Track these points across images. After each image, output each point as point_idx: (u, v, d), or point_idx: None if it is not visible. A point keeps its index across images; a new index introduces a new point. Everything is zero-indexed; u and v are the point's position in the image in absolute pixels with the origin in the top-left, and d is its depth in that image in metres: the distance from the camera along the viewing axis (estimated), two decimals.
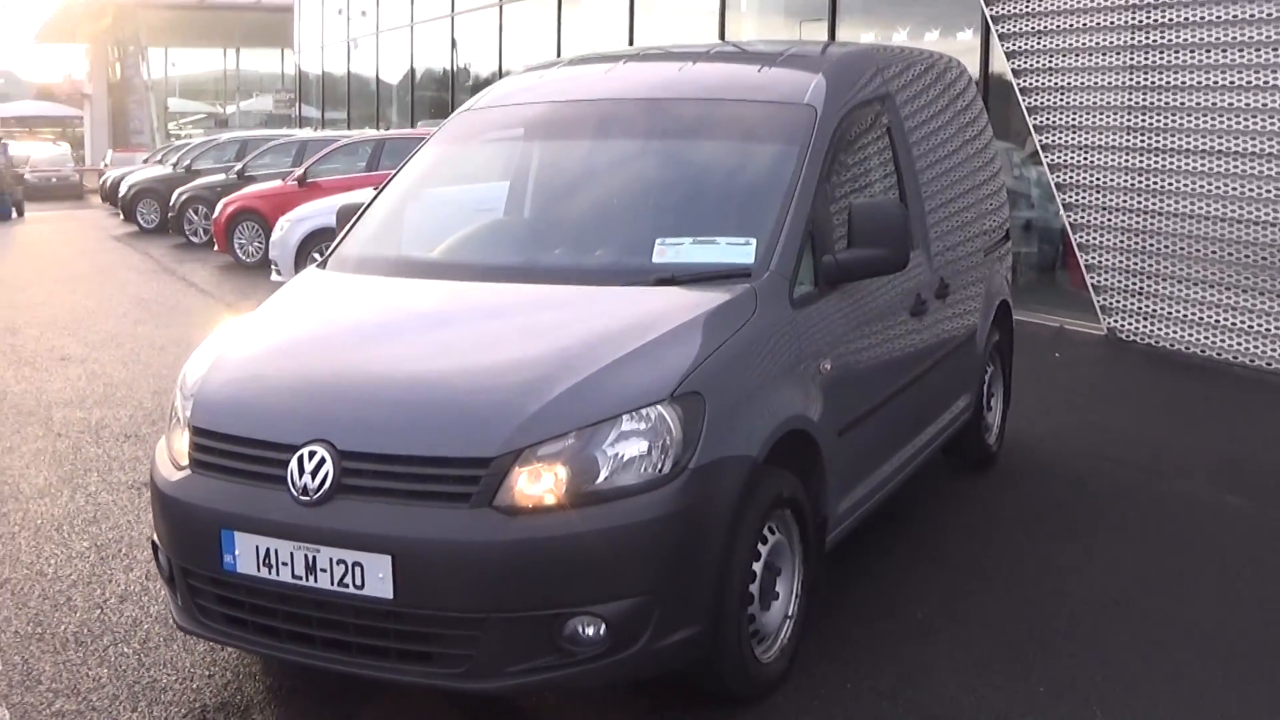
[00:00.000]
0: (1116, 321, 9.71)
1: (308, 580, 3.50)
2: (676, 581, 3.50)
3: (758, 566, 3.84)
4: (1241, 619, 4.54)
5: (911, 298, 5.04)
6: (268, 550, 3.55)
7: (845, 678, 4.09)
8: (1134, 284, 9.48)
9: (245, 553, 3.59)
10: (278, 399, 3.81)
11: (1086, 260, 9.80)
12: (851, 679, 4.08)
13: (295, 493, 3.51)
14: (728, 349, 3.77)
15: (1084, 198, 9.76)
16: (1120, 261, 9.56)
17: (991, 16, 10.24)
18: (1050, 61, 9.79)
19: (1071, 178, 9.81)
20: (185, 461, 3.86)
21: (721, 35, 13.96)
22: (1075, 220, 9.85)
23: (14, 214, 27.99)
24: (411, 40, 25.08)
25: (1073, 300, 10.14)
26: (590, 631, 3.43)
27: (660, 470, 3.48)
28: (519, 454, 3.40)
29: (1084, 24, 9.45)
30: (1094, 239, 9.74)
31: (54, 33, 56.37)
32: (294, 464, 3.54)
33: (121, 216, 24.72)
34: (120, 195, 24.84)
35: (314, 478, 3.50)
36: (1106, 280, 9.71)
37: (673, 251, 4.25)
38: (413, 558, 3.38)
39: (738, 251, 4.18)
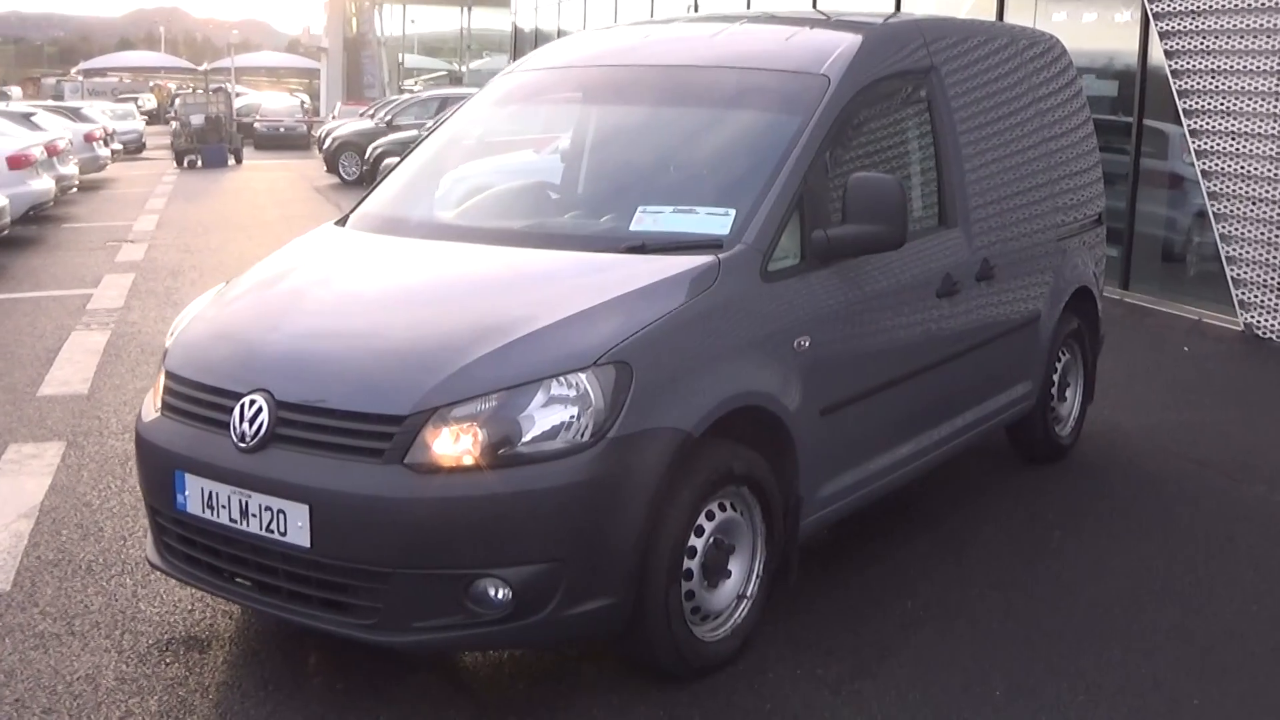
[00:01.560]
0: (1254, 317, 9.05)
1: (242, 524, 3.62)
2: (587, 550, 3.46)
3: (699, 542, 3.77)
4: (1242, 631, 4.21)
5: (939, 279, 4.82)
6: (210, 493, 3.68)
7: (799, 663, 3.98)
8: (1276, 279, 8.81)
9: (193, 494, 3.74)
10: (233, 348, 3.94)
11: (1228, 252, 9.14)
12: (804, 665, 3.97)
13: (235, 439, 3.63)
14: (670, 320, 3.69)
15: (1229, 186, 9.10)
16: (1262, 255, 8.88)
17: None
18: (1204, 44, 9.14)
19: (1218, 165, 9.16)
20: (160, 404, 4.04)
21: None
22: (1219, 210, 9.20)
23: (231, 161, 29.49)
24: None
25: (1220, 293, 9.48)
26: (496, 594, 3.44)
27: (580, 437, 3.45)
28: (432, 413, 3.43)
29: (1240, 4, 8.78)
30: (1237, 230, 9.08)
31: None
32: (236, 411, 3.66)
33: (326, 168, 25.82)
34: (324, 148, 25.96)
35: (251, 425, 3.61)
36: (1247, 274, 9.05)
37: (651, 220, 4.19)
38: (327, 509, 3.46)
39: (714, 222, 4.09)
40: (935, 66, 5.02)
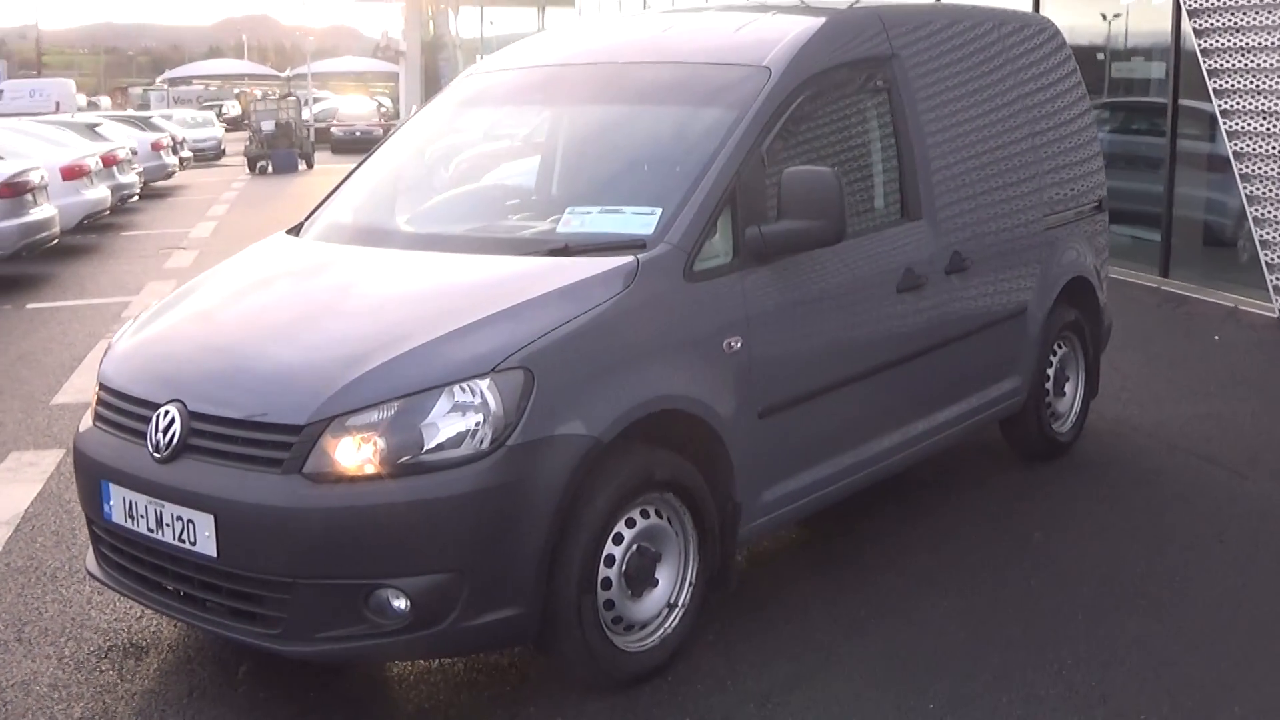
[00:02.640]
0: None
1: (158, 534, 3.62)
2: (488, 560, 3.40)
3: (618, 550, 3.69)
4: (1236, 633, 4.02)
5: (899, 273, 4.67)
6: (131, 503, 3.69)
7: (730, 674, 3.87)
8: None
9: (117, 504, 3.75)
10: (153, 359, 3.95)
11: (1261, 235, 8.78)
12: (737, 676, 3.86)
13: (150, 449, 3.64)
14: (579, 324, 3.61)
15: (1262, 168, 8.73)
16: None
17: None
18: (1234, 20, 8.78)
19: (1250, 146, 8.80)
20: (93, 415, 4.06)
21: None
22: (1251, 192, 8.84)
23: (301, 166, 29.93)
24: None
25: (1258, 279, 9.11)
26: (395, 605, 3.39)
27: (477, 446, 3.39)
28: (329, 422, 3.39)
29: None
30: (1270, 213, 8.72)
31: None
32: (153, 421, 3.66)
33: None
34: None
35: (164, 435, 3.61)
36: None
37: (579, 221, 4.12)
38: (231, 519, 3.44)
39: (639, 222, 4.00)
40: (897, 54, 4.87)
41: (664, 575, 3.87)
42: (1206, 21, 9.04)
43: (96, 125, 19.99)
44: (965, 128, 5.17)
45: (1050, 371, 5.85)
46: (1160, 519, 5.16)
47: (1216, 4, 8.91)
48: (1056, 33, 6.09)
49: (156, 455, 3.61)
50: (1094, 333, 6.14)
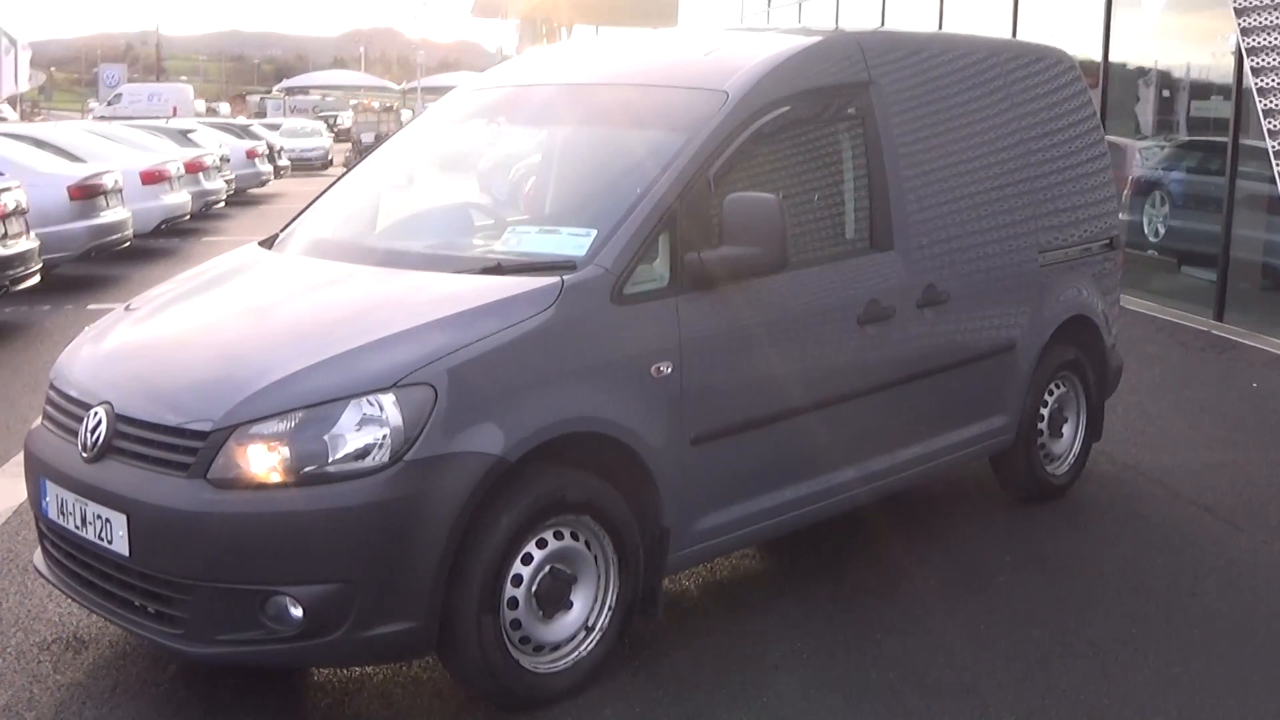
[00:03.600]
0: None
1: (82, 531, 3.71)
2: (381, 573, 3.42)
3: (526, 570, 3.69)
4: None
5: (862, 304, 4.60)
6: (62, 500, 3.80)
7: (645, 702, 3.84)
8: None
9: (52, 501, 3.86)
10: (94, 361, 4.05)
11: None
12: (648, 704, 3.83)
13: (79, 449, 3.74)
14: (490, 342, 3.62)
15: None
16: None
17: None
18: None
19: None
20: (42, 413, 4.19)
21: None
22: None
23: None
24: (799, 15, 24.33)
25: None
26: (290, 612, 3.43)
27: (377, 459, 3.42)
28: (234, 429, 3.45)
29: None
30: None
31: (487, 8, 60.61)
32: (85, 422, 3.77)
33: None
34: None
35: (92, 436, 3.71)
36: None
37: (517, 240, 4.15)
38: (141, 520, 3.52)
39: (573, 243, 4.01)
40: (875, 81, 4.81)
41: (580, 598, 3.85)
42: (1259, 40, 8.69)
43: (190, 131, 20.59)
44: (949, 160, 5.08)
45: (1045, 412, 5.71)
46: (1137, 568, 5.00)
47: (1270, 22, 8.58)
48: (1070, 66, 5.96)
49: (84, 455, 3.71)
50: (1098, 375, 5.97)
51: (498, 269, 3.95)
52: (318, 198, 5.07)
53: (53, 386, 4.12)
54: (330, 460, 3.42)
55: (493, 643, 3.62)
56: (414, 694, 3.89)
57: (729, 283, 4.10)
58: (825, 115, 4.72)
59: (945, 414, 5.13)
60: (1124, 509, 5.74)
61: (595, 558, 3.88)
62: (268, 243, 4.85)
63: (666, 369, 3.95)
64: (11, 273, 9.53)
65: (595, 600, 3.89)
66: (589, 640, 3.88)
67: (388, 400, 3.45)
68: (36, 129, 15.90)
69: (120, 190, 12.84)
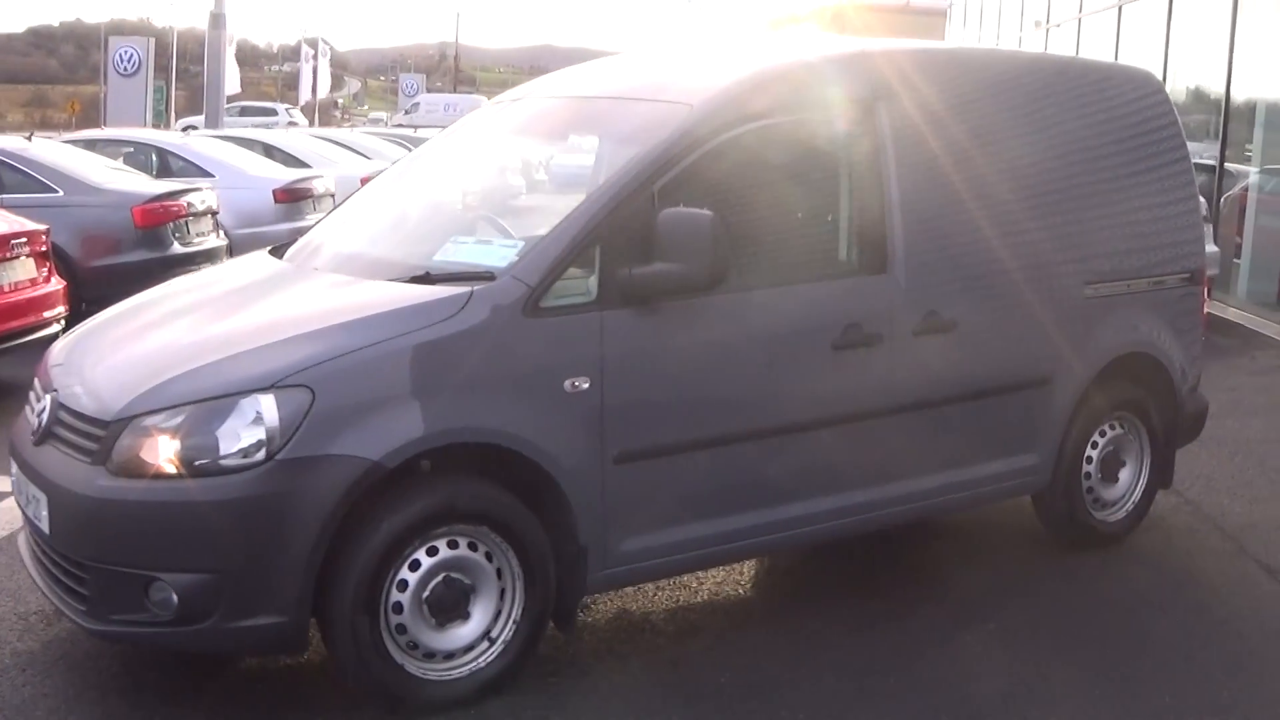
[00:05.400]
0: None
1: (27, 509, 4.02)
2: (248, 566, 3.55)
3: (412, 576, 3.73)
4: None
5: (837, 328, 4.40)
6: (17, 479, 4.12)
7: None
8: None
9: (14, 480, 4.19)
10: (62, 352, 4.34)
11: None
12: None
13: (30, 432, 4.05)
14: (379, 349, 3.68)
15: None
16: None
17: None
18: None
19: None
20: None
21: None
22: None
23: None
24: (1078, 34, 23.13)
25: None
26: (167, 597, 3.60)
27: (254, 457, 3.55)
28: (129, 421, 3.65)
29: None
30: None
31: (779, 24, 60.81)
32: (37, 408, 4.08)
33: None
34: None
35: (39, 420, 4.01)
36: None
37: (454, 250, 4.20)
38: (55, 502, 3.78)
39: (500, 254, 4.03)
40: (882, 97, 4.59)
41: (479, 609, 3.87)
42: None
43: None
44: (968, 184, 4.77)
45: (1095, 454, 5.29)
46: (1156, 630, 4.57)
47: None
48: (1151, 89, 5.50)
49: (32, 438, 4.01)
50: (1165, 418, 5.48)
51: (425, 277, 4.01)
52: (340, 204, 5.26)
53: (37, 375, 4.45)
54: (220, 455, 3.57)
55: (369, 644, 3.68)
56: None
57: (666, 300, 4.02)
58: (816, 131, 4.54)
59: (954, 449, 4.82)
60: (1177, 562, 5.28)
61: (499, 570, 3.88)
62: (279, 251, 5.04)
63: (583, 384, 3.91)
64: (189, 269, 10.27)
65: (499, 612, 3.90)
66: (489, 652, 3.89)
67: (267, 400, 3.57)
68: (266, 134, 17.02)
69: (333, 194, 13.54)
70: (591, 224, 3.97)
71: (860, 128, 4.55)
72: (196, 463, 3.57)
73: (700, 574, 4.88)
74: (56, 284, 8.19)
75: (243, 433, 3.56)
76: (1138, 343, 5.33)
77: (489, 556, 3.86)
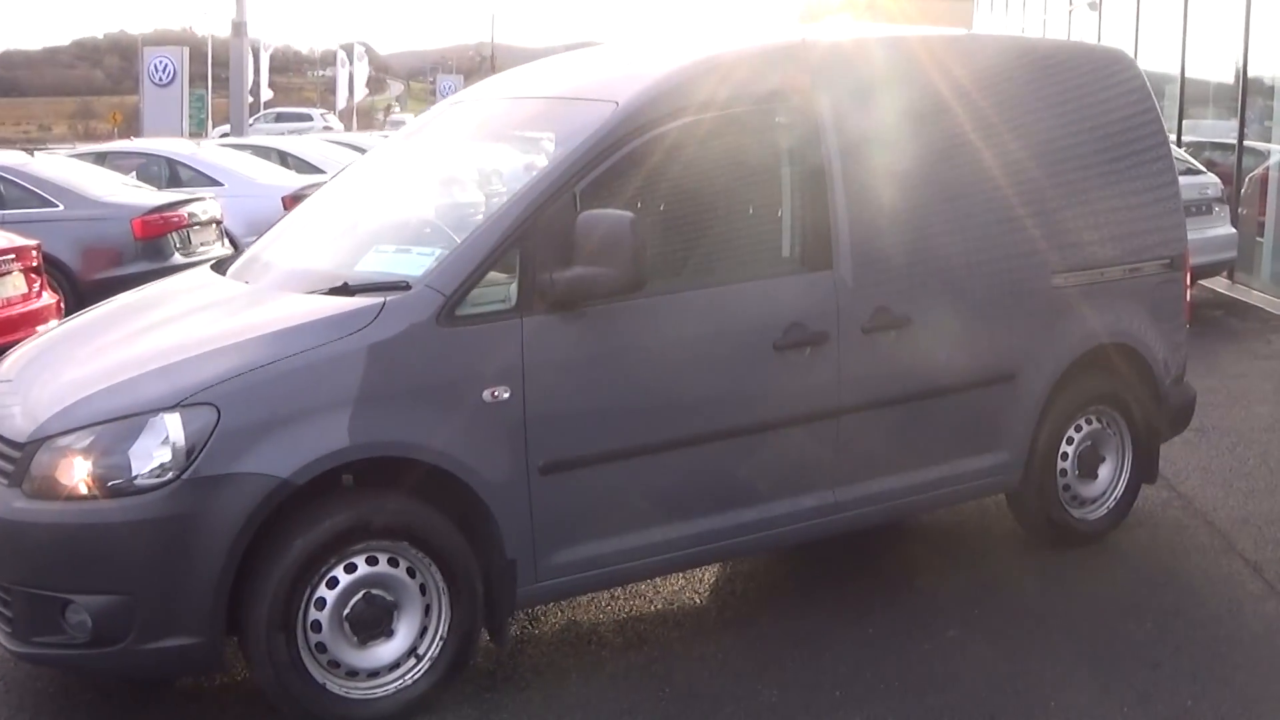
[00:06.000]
0: None
1: None
2: (159, 587, 3.50)
3: (330, 594, 3.66)
4: None
5: (778, 328, 4.27)
6: None
7: None
8: None
9: None
10: (7, 370, 4.29)
11: None
12: None
13: None
14: (288, 364, 3.61)
15: None
16: None
17: None
18: None
19: None
20: None
21: None
22: None
23: None
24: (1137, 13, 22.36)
25: None
26: (81, 620, 3.55)
27: (161, 477, 3.49)
28: (42, 442, 3.60)
29: None
30: None
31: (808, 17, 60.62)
32: None
33: None
34: None
35: None
36: None
37: (375, 259, 4.14)
38: None
39: (416, 262, 3.95)
40: (821, 87, 4.44)
41: (404, 626, 3.78)
42: None
43: None
44: (919, 173, 4.62)
45: (1070, 450, 5.12)
46: (1126, 633, 4.39)
47: None
48: (1123, 71, 5.32)
49: None
50: (1146, 411, 5.29)
51: (344, 289, 3.93)
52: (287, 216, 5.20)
53: None
54: (133, 475, 3.51)
55: (286, 663, 3.61)
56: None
57: (590, 304, 3.92)
58: (753, 125, 4.40)
59: (913, 449, 4.68)
60: (1159, 559, 5.10)
61: (422, 586, 3.80)
62: (222, 265, 4.94)
63: (503, 394, 3.81)
64: None
65: (425, 629, 3.81)
66: (417, 669, 3.81)
67: (173, 419, 3.51)
68: (281, 141, 17.10)
69: None
70: (510, 229, 3.87)
71: (801, 119, 4.41)
72: (110, 483, 3.52)
73: (656, 583, 4.78)
74: (49, 298, 8.23)
75: (155, 452, 3.50)
76: (1113, 333, 5.14)
77: (411, 572, 3.78)
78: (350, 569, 3.69)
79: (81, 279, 9.40)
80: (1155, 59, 14.87)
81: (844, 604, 4.62)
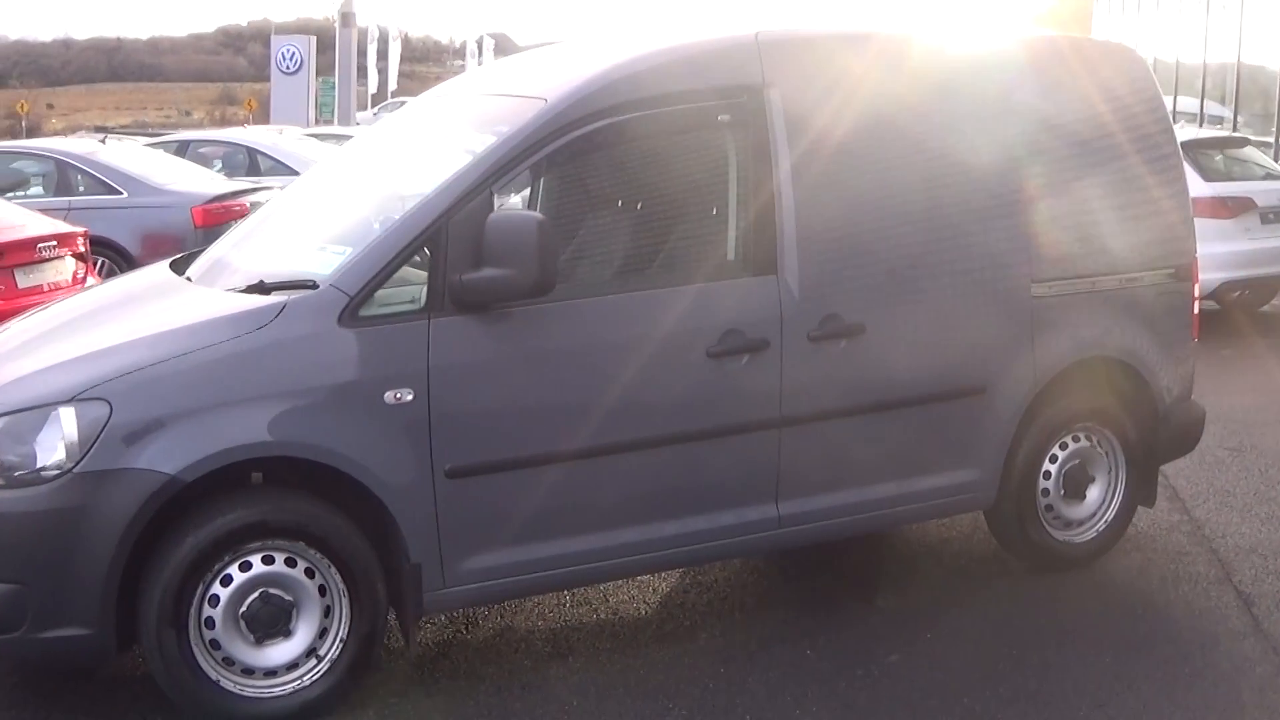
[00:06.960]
0: None
1: None
2: (50, 579, 3.53)
3: (224, 592, 3.66)
4: None
5: (714, 334, 4.12)
6: None
7: None
8: None
9: None
10: None
11: None
12: None
13: None
14: (182, 361, 3.61)
15: None
16: None
17: None
18: None
19: None
20: None
21: None
22: None
23: None
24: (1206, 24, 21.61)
25: None
26: None
27: (55, 470, 3.52)
28: None
29: None
30: None
31: None
32: None
33: None
34: None
35: None
36: None
37: (300, 257, 4.15)
38: None
39: (328, 261, 3.91)
40: (771, 84, 4.26)
41: (303, 626, 3.76)
42: None
43: None
44: (880, 175, 4.40)
45: (1054, 469, 4.86)
46: (1077, 669, 4.15)
47: None
48: (1131, 64, 5.02)
49: None
50: (1143, 431, 4.98)
51: (259, 286, 3.91)
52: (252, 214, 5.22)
53: None
54: (36, 467, 3.55)
55: (176, 658, 3.62)
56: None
57: (499, 307, 3.83)
58: (694, 123, 4.24)
59: (866, 464, 4.48)
60: (1148, 587, 4.82)
61: (321, 587, 3.77)
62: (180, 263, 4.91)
63: (406, 396, 3.75)
64: None
65: (325, 630, 3.79)
66: (315, 670, 3.78)
67: (67, 413, 3.54)
68: (263, 139, 16.88)
69: None
70: (418, 229, 3.81)
71: (747, 117, 4.25)
72: (16, 474, 3.56)
73: (606, 590, 4.68)
74: (94, 283, 8.46)
75: (54, 446, 3.54)
76: (1103, 347, 4.86)
77: (310, 573, 3.75)
78: (245, 567, 3.68)
79: (143, 265, 9.64)
80: None
81: (791, 621, 4.46)
